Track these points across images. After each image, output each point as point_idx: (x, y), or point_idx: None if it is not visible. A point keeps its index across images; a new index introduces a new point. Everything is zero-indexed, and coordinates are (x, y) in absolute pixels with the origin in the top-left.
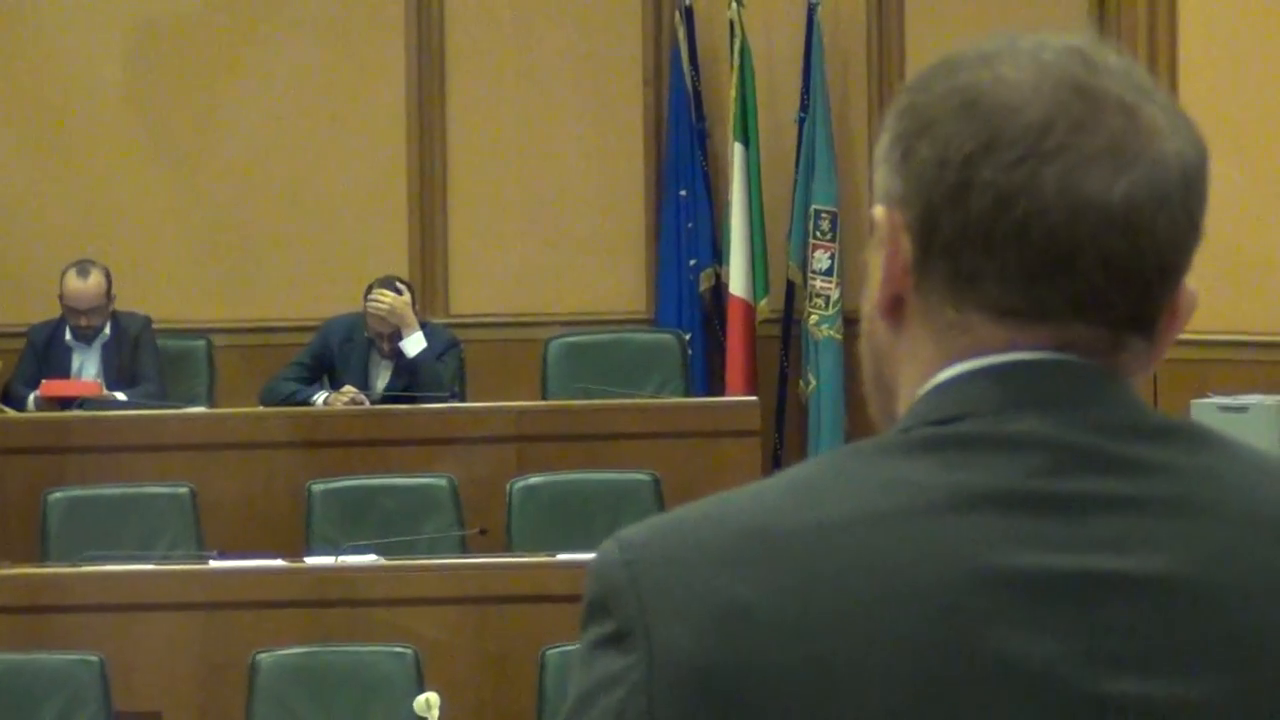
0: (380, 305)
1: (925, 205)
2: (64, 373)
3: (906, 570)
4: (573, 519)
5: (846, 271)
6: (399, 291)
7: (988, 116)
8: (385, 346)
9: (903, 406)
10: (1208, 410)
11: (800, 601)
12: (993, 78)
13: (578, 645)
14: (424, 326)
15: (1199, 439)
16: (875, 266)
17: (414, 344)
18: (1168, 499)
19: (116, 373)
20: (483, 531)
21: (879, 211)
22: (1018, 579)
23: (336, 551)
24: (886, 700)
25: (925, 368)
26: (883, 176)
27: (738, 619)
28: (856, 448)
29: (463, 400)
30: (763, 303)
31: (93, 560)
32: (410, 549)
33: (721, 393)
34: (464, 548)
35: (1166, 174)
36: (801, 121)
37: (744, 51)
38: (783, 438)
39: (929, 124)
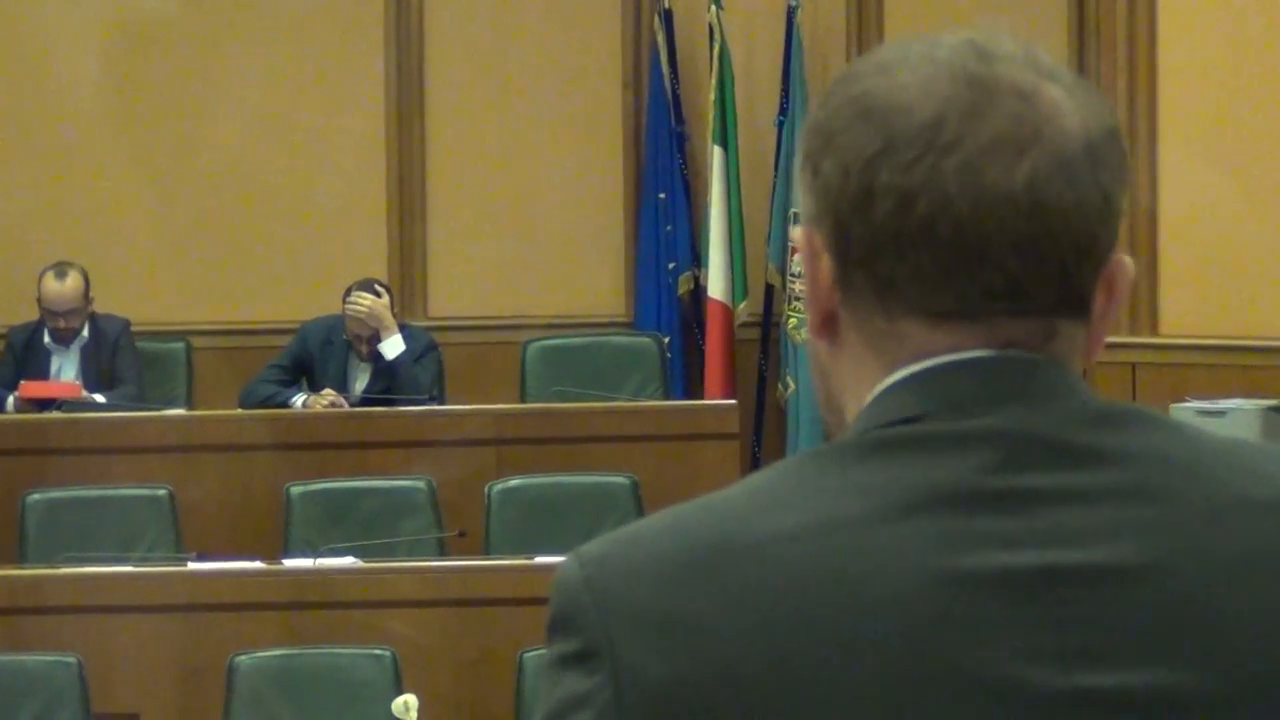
0: (359, 308)
1: (835, 218)
2: (43, 375)
3: (866, 578)
4: (551, 522)
5: None
6: (378, 294)
7: (882, 120)
8: (364, 349)
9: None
10: (1186, 415)
11: (761, 614)
12: (887, 83)
13: (545, 661)
14: (403, 329)
15: (1148, 423)
16: (806, 288)
17: (393, 347)
18: (1123, 487)
19: (95, 375)
20: (461, 534)
21: (796, 233)
22: (979, 579)
23: (315, 554)
24: (853, 711)
25: (869, 379)
26: (800, 197)
27: (700, 634)
28: (815, 453)
29: (441, 403)
30: (741, 306)
31: (71, 562)
32: (389, 551)
33: (700, 396)
34: (442, 550)
35: (1070, 151)
36: (781, 124)
37: (723, 55)
38: (761, 441)
39: (830, 137)
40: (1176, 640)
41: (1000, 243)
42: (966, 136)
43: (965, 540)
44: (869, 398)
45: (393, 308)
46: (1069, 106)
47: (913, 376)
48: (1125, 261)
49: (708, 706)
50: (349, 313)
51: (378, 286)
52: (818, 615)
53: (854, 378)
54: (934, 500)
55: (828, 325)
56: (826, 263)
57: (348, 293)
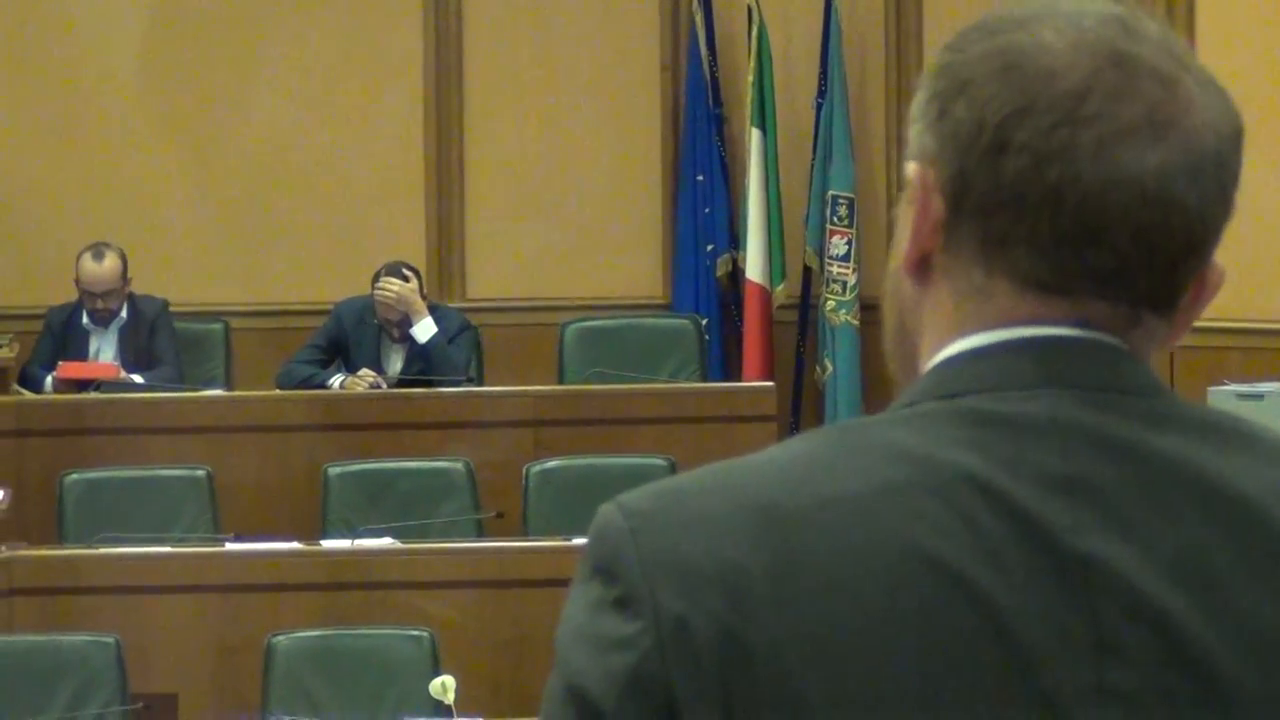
0: (387, 294)
1: (959, 165)
2: (81, 355)
3: (909, 547)
4: (589, 503)
5: (863, 257)
6: (405, 278)
7: (1026, 80)
8: (395, 332)
9: (923, 365)
10: (1224, 397)
11: (805, 577)
12: (1032, 41)
13: (571, 603)
14: (434, 311)
15: (1211, 428)
16: (905, 223)
17: (424, 330)
18: (1172, 489)
19: (133, 355)
20: (499, 515)
21: (911, 168)
22: (1021, 558)
23: (353, 534)
24: (891, 677)
25: (945, 330)
26: (916, 134)
27: (743, 589)
28: (861, 422)
29: (479, 384)
30: (779, 288)
31: (109, 542)
32: (426, 532)
33: (738, 378)
34: (480, 531)
35: (1200, 147)
36: (819, 107)
37: (762, 37)
38: (799, 423)
39: (966, 84)
40: (1208, 642)
41: (1119, 225)
42: (1107, 114)
43: (1009, 519)
44: (936, 359)
45: (422, 291)
46: (1202, 101)
47: (986, 346)
48: (1220, 265)
49: (746, 661)
50: (378, 298)
51: (405, 270)
52: (860, 581)
53: (932, 322)
54: (984, 477)
55: (922, 266)
56: (938, 203)
57: (376, 277)
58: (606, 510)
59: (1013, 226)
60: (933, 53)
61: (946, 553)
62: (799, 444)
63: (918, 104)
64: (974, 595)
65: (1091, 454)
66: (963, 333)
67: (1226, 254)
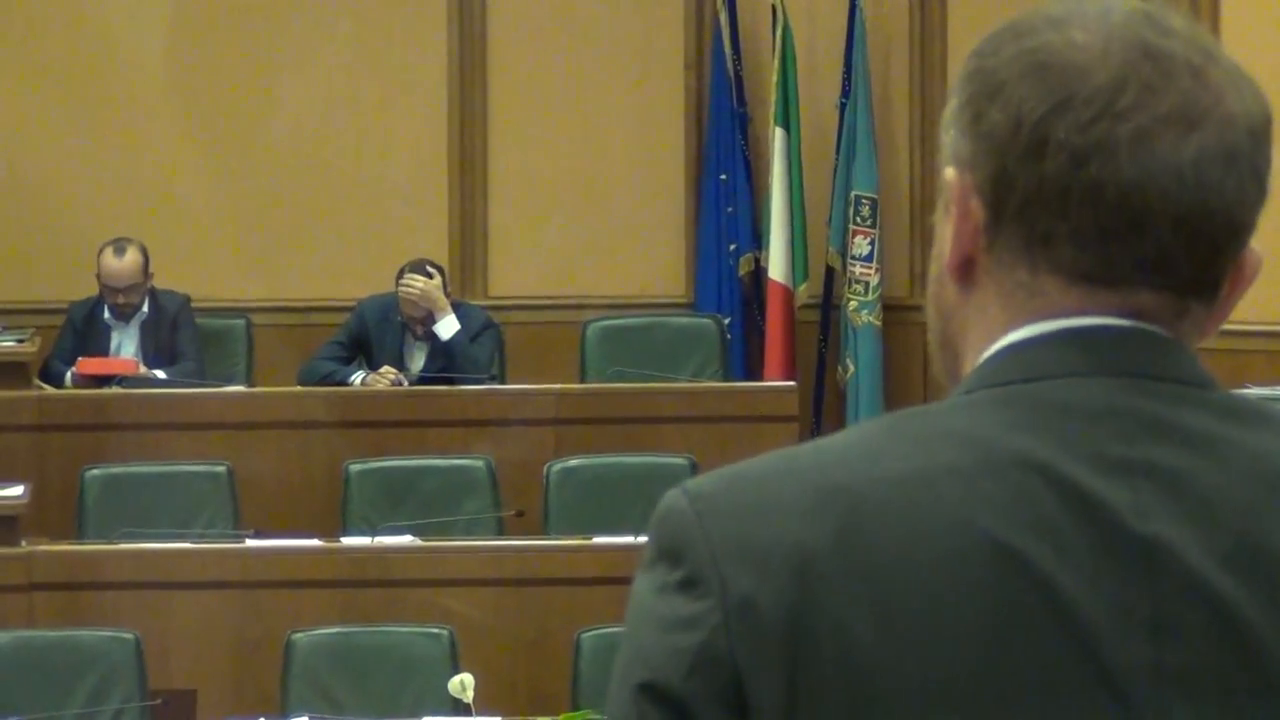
0: (411, 290)
1: (998, 167)
2: (102, 350)
3: (976, 525)
4: (610, 502)
5: (886, 257)
6: (429, 275)
7: (1060, 78)
8: (418, 329)
9: (968, 366)
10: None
11: (869, 553)
12: (1063, 41)
13: (638, 587)
14: (457, 308)
15: (1265, 419)
16: (944, 228)
17: (447, 327)
18: (1232, 476)
19: (155, 351)
20: (519, 514)
21: (949, 174)
22: (1080, 539)
23: (373, 532)
24: (952, 655)
25: (992, 328)
26: (952, 140)
27: (808, 568)
28: (919, 410)
29: (501, 382)
30: (802, 288)
31: (129, 538)
32: (447, 530)
33: (760, 378)
34: (500, 529)
35: (1235, 134)
36: (843, 107)
37: (786, 36)
38: (820, 423)
39: (1000, 86)
40: (1264, 630)
41: (1161, 215)
42: (1142, 106)
43: (1070, 500)
44: (992, 349)
45: (445, 288)
46: (1233, 90)
47: (1040, 336)
48: (1258, 252)
49: (813, 640)
50: (402, 294)
51: (429, 267)
52: (924, 561)
53: (978, 323)
54: (1045, 460)
55: (965, 269)
56: (977, 206)
57: (400, 274)
58: (672, 495)
59: (1056, 223)
60: (958, 53)
61: (1009, 533)
62: (858, 431)
63: (950, 111)
64: (1035, 575)
65: (1150, 439)
66: (1012, 327)
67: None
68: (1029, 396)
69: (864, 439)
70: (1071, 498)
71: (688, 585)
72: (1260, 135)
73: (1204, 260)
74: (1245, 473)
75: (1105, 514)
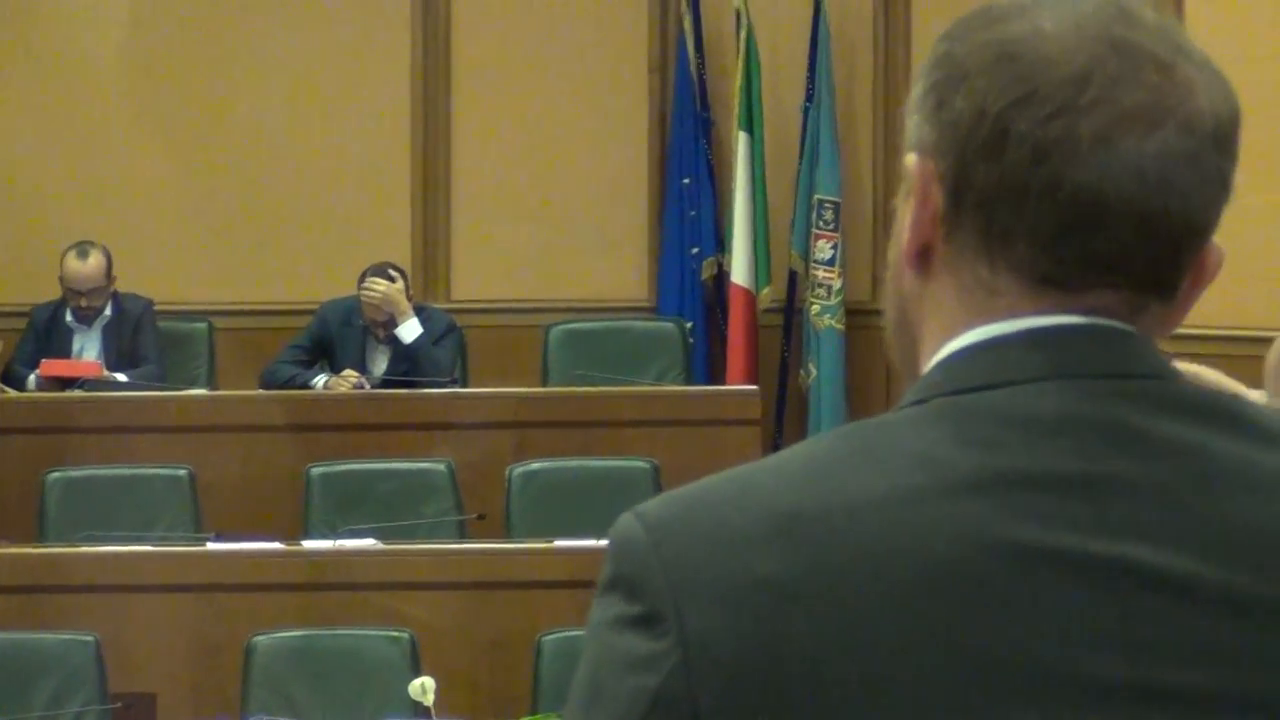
0: (373, 294)
1: (959, 157)
2: (65, 353)
3: (935, 552)
4: (571, 505)
5: (849, 261)
6: (392, 279)
7: (1025, 69)
8: (381, 333)
9: (925, 356)
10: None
11: (833, 582)
12: (1030, 30)
13: (594, 617)
14: (420, 311)
15: (1232, 419)
16: (904, 214)
17: (409, 330)
18: (1198, 487)
19: (117, 354)
20: (481, 517)
21: (910, 160)
22: (1049, 561)
23: (334, 535)
24: (921, 683)
25: (950, 324)
26: (915, 125)
27: (771, 600)
28: (878, 423)
29: (463, 385)
30: (765, 292)
31: (90, 541)
32: (408, 533)
33: (722, 382)
34: (462, 533)
35: (1200, 132)
36: (806, 111)
37: (750, 40)
38: (783, 427)
39: (965, 75)
40: (1237, 653)
41: (1121, 214)
42: (1107, 101)
43: (1037, 520)
44: (946, 351)
45: (407, 291)
46: (1201, 86)
47: (996, 339)
48: (1219, 247)
49: (776, 677)
50: (363, 298)
51: (392, 271)
52: (887, 588)
53: (935, 314)
54: (1005, 478)
55: (922, 256)
56: (938, 194)
57: (362, 277)
58: (626, 522)
59: (1014, 219)
60: (922, 58)
61: (970, 559)
62: (816, 446)
63: (915, 96)
64: (1000, 600)
65: (1107, 449)
66: (969, 326)
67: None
68: (987, 408)
69: (821, 458)
70: (1032, 519)
71: (645, 622)
72: (1226, 134)
73: (1164, 260)
74: (1202, 470)
75: (1065, 534)
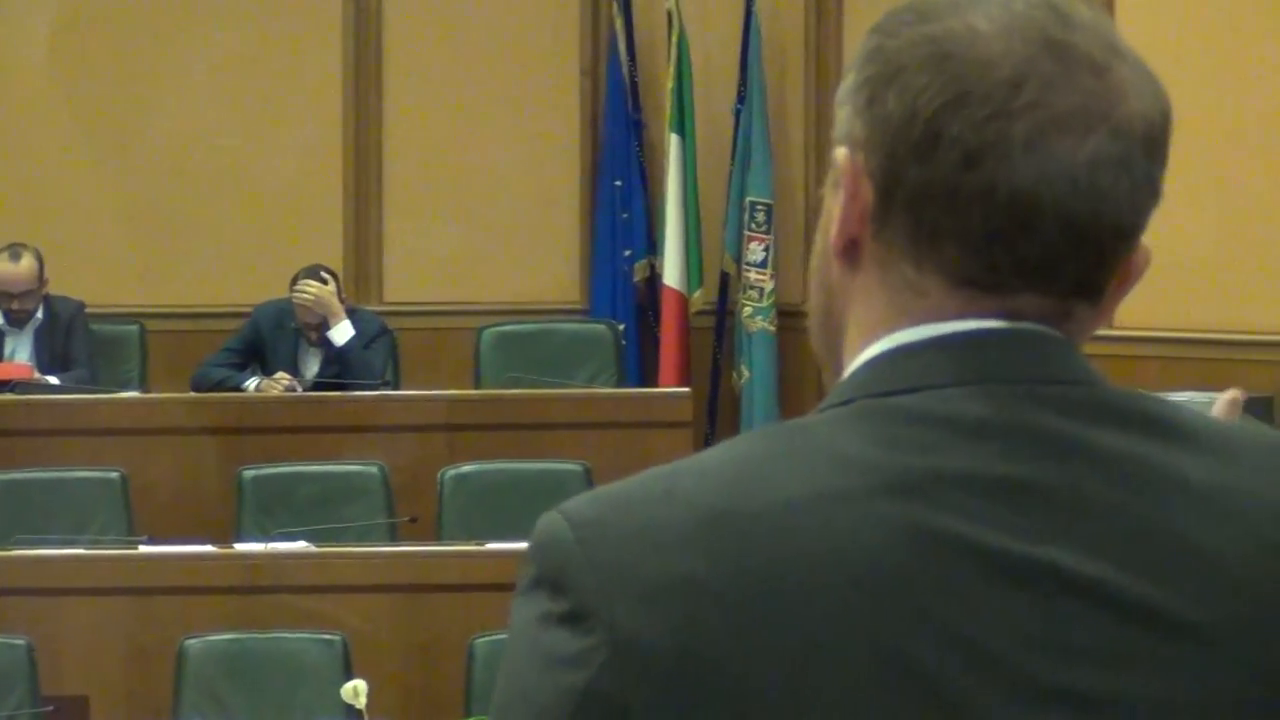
0: (305, 296)
1: (890, 155)
2: None
3: (862, 551)
4: (503, 508)
5: (781, 263)
6: (324, 281)
7: (959, 69)
8: (313, 335)
9: (849, 350)
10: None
11: (758, 582)
12: (964, 28)
13: (517, 617)
14: (352, 314)
15: (1158, 425)
16: (832, 204)
17: (341, 333)
18: (1120, 493)
19: (49, 357)
20: (413, 520)
21: (840, 153)
22: (974, 561)
23: (266, 538)
24: (849, 684)
25: (875, 322)
26: (845, 118)
27: (697, 599)
28: (803, 423)
29: (395, 388)
30: (697, 294)
31: (22, 544)
32: (340, 536)
33: (654, 384)
34: (394, 536)
35: (1132, 136)
36: (738, 113)
37: (681, 42)
38: (715, 429)
39: (897, 71)
40: (1155, 660)
41: (1051, 219)
42: (1041, 105)
43: (960, 522)
44: (871, 352)
45: (339, 294)
46: (1134, 88)
47: (922, 342)
48: (1146, 248)
49: (703, 676)
50: (296, 301)
51: (323, 273)
52: (812, 588)
53: (861, 309)
54: (930, 480)
55: (850, 250)
56: (867, 190)
57: (294, 280)
58: (551, 519)
59: (944, 221)
60: (853, 60)
61: (895, 560)
62: (742, 446)
63: (846, 87)
64: (925, 601)
65: (1031, 453)
66: (894, 326)
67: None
68: (912, 410)
69: (747, 457)
70: (954, 521)
71: (572, 619)
72: (1157, 137)
73: (1091, 264)
74: (1126, 474)
75: (989, 538)
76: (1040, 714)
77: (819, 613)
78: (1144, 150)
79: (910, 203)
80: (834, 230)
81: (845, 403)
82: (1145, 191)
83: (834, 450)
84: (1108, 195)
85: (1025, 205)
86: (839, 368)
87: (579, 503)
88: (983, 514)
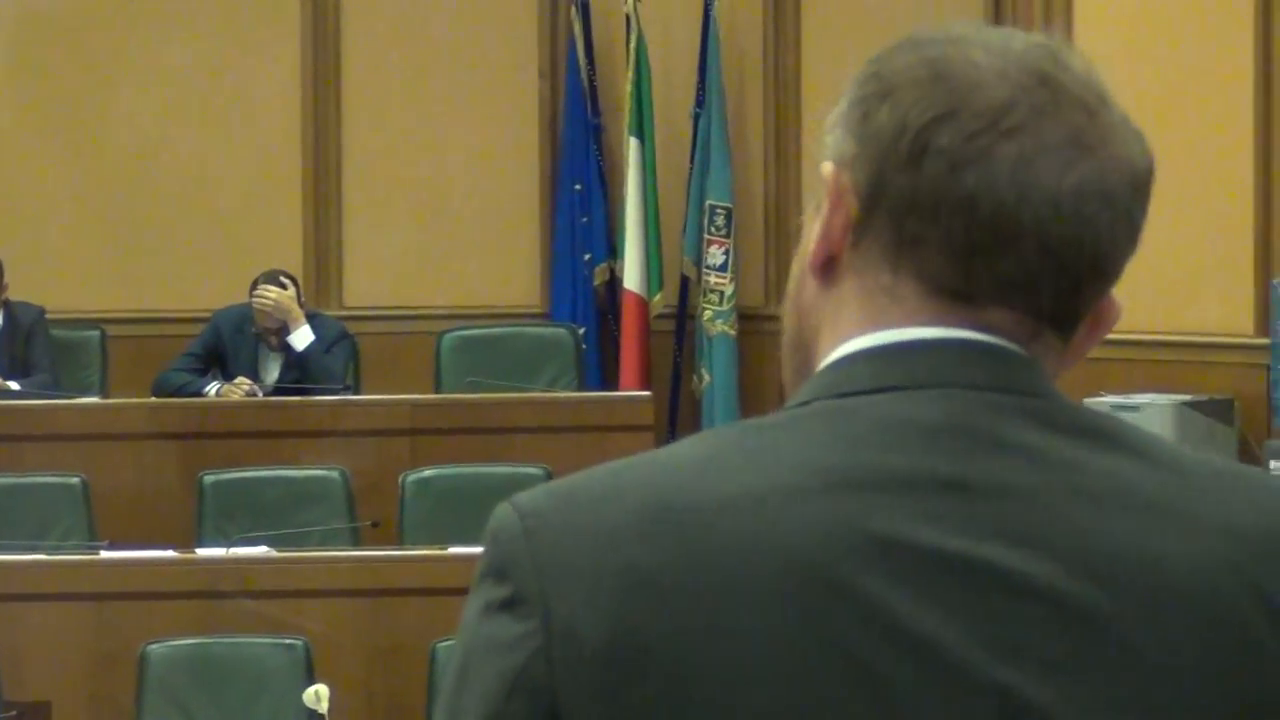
0: (265, 301)
1: (877, 167)
2: None
3: (805, 546)
4: (465, 512)
5: (741, 267)
6: (284, 286)
7: (952, 88)
8: (273, 340)
9: (820, 363)
10: (1100, 409)
11: (699, 575)
12: (961, 56)
13: (468, 606)
14: (312, 318)
15: (1114, 439)
16: (812, 227)
17: (301, 338)
18: (1068, 500)
19: (9, 362)
20: (374, 524)
21: (827, 169)
22: (918, 559)
23: (228, 543)
24: (783, 678)
25: (846, 328)
26: (836, 139)
27: (638, 589)
28: (761, 423)
29: (356, 392)
30: (657, 298)
31: None
32: (302, 541)
33: (615, 387)
34: (355, 540)
35: (1117, 176)
36: (697, 117)
37: (640, 46)
38: (675, 433)
39: (892, 89)
40: (1091, 662)
41: (1031, 238)
42: (1030, 129)
43: (906, 520)
44: (837, 354)
45: (299, 299)
46: (1120, 137)
47: (888, 346)
48: (1118, 302)
49: (638, 664)
50: (255, 306)
51: (283, 278)
52: (751, 586)
53: (833, 321)
54: (874, 480)
55: (828, 265)
56: (851, 204)
57: (254, 285)
58: (502, 511)
59: (926, 229)
60: (811, 63)
61: (835, 558)
62: (695, 444)
63: (839, 111)
64: (864, 598)
65: (982, 457)
66: (863, 330)
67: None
68: (867, 411)
69: (700, 454)
70: (901, 520)
71: (511, 605)
72: (1140, 185)
73: (1065, 292)
74: (1079, 485)
75: (937, 536)
76: (974, 707)
77: (758, 607)
78: (1129, 193)
79: (893, 210)
80: (813, 247)
81: (805, 403)
82: (1125, 232)
83: (786, 448)
84: (1089, 224)
85: (1007, 221)
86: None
87: (531, 494)
88: (928, 513)
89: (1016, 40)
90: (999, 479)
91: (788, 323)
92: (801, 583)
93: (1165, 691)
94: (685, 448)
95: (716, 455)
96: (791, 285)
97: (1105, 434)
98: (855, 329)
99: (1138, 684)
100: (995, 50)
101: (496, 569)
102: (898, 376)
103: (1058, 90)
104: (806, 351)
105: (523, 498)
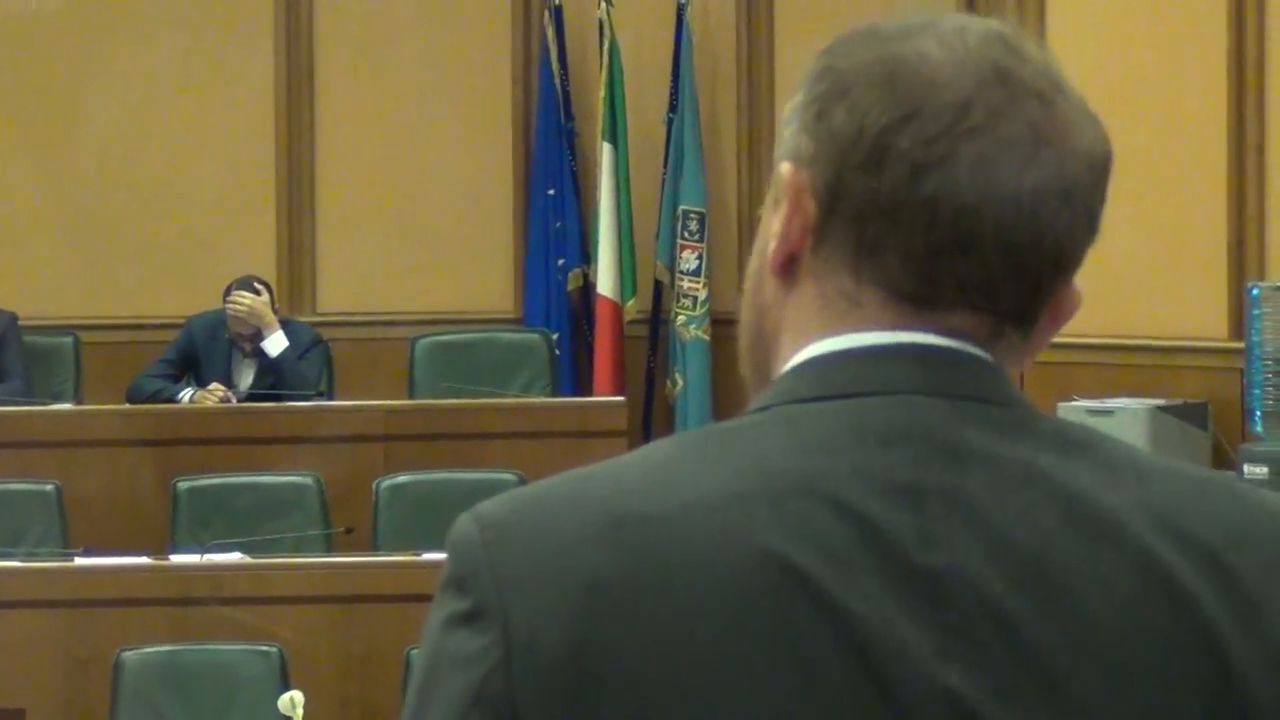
0: (239, 307)
1: (836, 170)
2: None
3: (761, 553)
4: (439, 518)
5: (714, 272)
6: (257, 292)
7: (909, 90)
8: (247, 346)
9: (780, 367)
10: (1074, 413)
11: (655, 583)
12: (916, 52)
13: (430, 618)
14: (285, 325)
15: (1080, 450)
16: (770, 222)
17: (275, 344)
18: (1025, 497)
19: None
20: (349, 530)
21: (785, 168)
22: (869, 569)
23: (202, 549)
24: (745, 684)
25: (806, 332)
26: (791, 135)
27: (596, 599)
28: (720, 428)
29: (329, 398)
30: (630, 303)
31: None
32: (276, 547)
33: (589, 393)
34: (329, 547)
35: (1075, 169)
36: (670, 121)
37: (613, 51)
38: (649, 438)
39: (848, 89)
40: (1052, 647)
41: (992, 240)
42: (988, 129)
43: (855, 528)
44: (797, 359)
45: (273, 305)
46: (1077, 125)
47: (847, 351)
48: (1078, 290)
49: (598, 673)
50: (229, 312)
51: (257, 284)
52: (712, 592)
53: (793, 324)
54: (830, 486)
55: (787, 267)
56: (810, 205)
57: (228, 291)
58: (463, 521)
59: (886, 235)
60: (785, 68)
61: (797, 563)
62: (655, 450)
63: (794, 105)
64: (823, 604)
65: (943, 462)
66: (825, 335)
67: (1079, 271)
68: (827, 416)
69: (659, 462)
70: (857, 525)
71: (471, 619)
72: (1098, 173)
73: (1026, 290)
74: (1038, 495)
75: (891, 542)
76: (923, 712)
77: (714, 615)
78: (1086, 184)
79: (854, 216)
80: (773, 246)
81: (765, 408)
82: (1084, 224)
83: (745, 454)
84: (1049, 224)
85: (968, 224)
86: (766, 387)
87: (493, 504)
88: (883, 519)
89: (971, 32)
90: (953, 486)
91: (745, 317)
92: (756, 590)
93: (1107, 698)
94: (646, 454)
95: (675, 462)
96: (749, 282)
97: (1062, 440)
98: (816, 334)
99: (1075, 686)
100: (950, 43)
101: (456, 581)
102: (856, 383)
103: (1014, 84)
104: (765, 349)
105: (483, 508)
